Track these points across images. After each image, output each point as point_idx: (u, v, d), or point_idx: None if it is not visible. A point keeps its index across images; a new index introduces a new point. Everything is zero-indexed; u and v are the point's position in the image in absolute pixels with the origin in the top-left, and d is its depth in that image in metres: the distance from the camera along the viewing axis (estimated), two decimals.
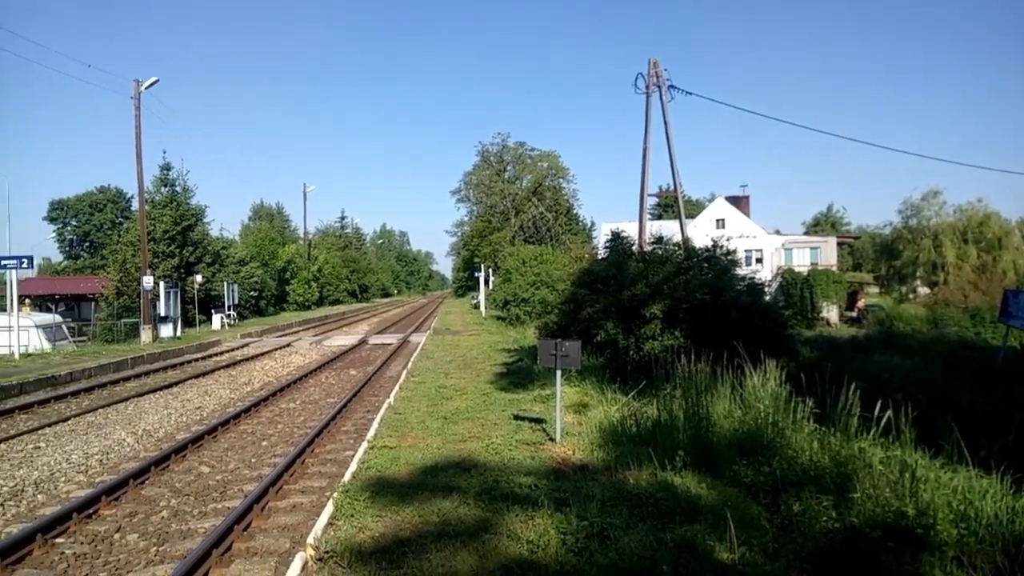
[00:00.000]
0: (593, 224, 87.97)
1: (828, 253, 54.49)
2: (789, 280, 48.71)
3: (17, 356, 23.91)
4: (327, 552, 5.69)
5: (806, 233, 71.91)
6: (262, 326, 40.57)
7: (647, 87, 26.66)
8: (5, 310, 28.61)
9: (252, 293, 51.94)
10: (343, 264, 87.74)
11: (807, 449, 7.11)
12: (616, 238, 17.37)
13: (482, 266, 56.34)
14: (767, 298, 16.94)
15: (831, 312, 47.96)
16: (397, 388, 15.10)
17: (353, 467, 8.47)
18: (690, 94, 27.15)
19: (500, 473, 7.75)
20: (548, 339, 9.71)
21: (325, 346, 29.14)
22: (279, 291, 61.58)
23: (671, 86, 26.84)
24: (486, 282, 53.68)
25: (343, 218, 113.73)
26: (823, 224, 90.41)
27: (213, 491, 8.61)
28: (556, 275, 30.75)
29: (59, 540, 6.93)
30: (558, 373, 9.50)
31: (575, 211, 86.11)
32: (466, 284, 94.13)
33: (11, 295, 25.61)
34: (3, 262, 25.43)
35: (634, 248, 17.80)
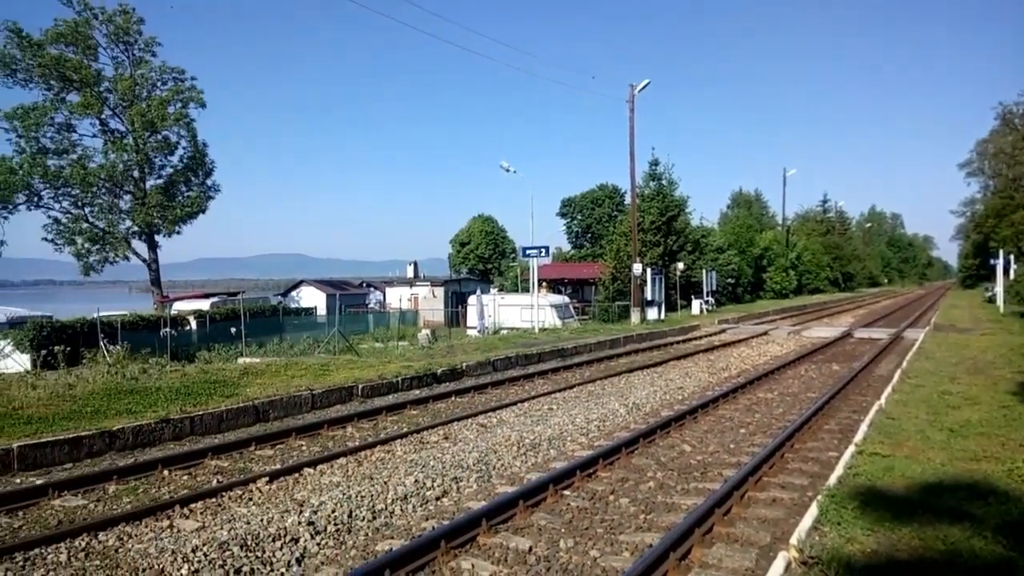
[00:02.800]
0: None
1: None
2: None
3: (536, 330, 28.72)
4: (811, 557, 5.39)
5: None
6: (738, 313, 40.89)
7: None
8: (528, 291, 34.66)
9: (729, 280, 52.76)
10: (824, 251, 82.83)
11: None
12: None
13: (1000, 252, 46.82)
14: None
15: None
16: (889, 389, 13.54)
17: (839, 471, 7.88)
18: None
19: None
20: None
21: (804, 337, 27.90)
22: (755, 278, 61.24)
23: None
24: (1005, 271, 44.45)
25: (825, 201, 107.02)
26: None
27: (694, 470, 8.98)
28: None
29: (566, 492, 8.05)
30: None
31: None
32: (976, 273, 79.73)
33: (533, 279, 30.94)
34: (527, 251, 30.87)
35: None
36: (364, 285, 59.86)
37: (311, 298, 47.29)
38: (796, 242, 74.25)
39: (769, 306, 49.24)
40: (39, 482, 8.59)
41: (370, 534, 6.91)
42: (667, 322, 34.12)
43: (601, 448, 9.61)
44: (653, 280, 36.04)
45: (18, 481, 8.89)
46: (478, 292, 34.67)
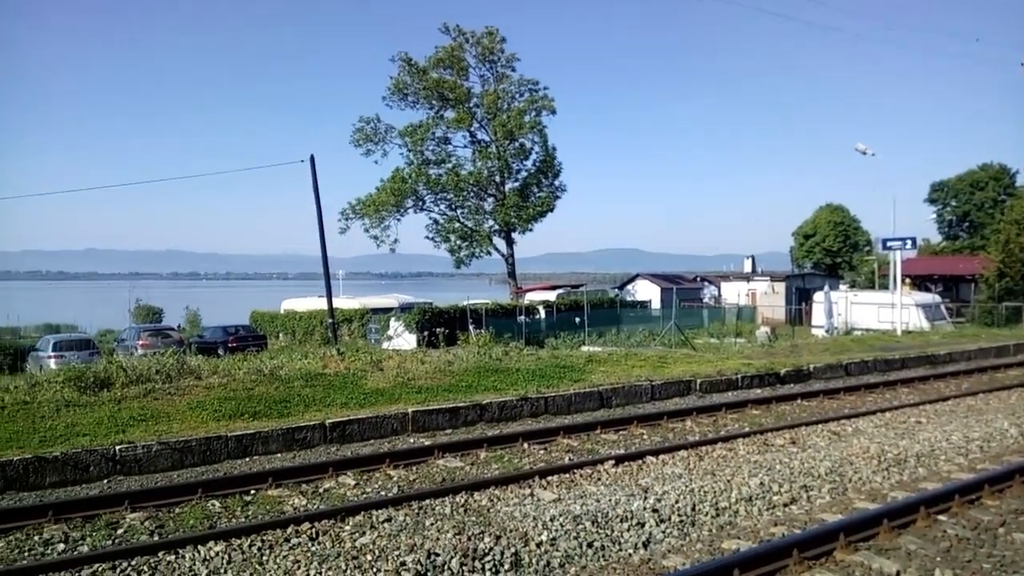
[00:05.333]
0: None
1: None
2: None
3: (899, 332, 25.57)
4: None
5: None
6: None
7: None
8: (886, 288, 31.03)
9: None
10: None
11: None
12: None
13: None
14: None
15: None
16: None
17: None
18: None
19: None
20: None
21: None
22: None
23: None
24: None
25: None
26: None
27: None
28: None
29: (941, 517, 7.05)
30: None
31: None
32: None
33: (894, 274, 27.55)
34: (887, 243, 27.63)
35: None
36: (698, 279, 59.26)
37: (646, 291, 48.33)
38: None
39: None
40: (427, 443, 10.21)
41: (714, 530, 6.87)
42: None
43: (987, 472, 8.24)
44: None
45: (412, 441, 10.68)
46: (826, 288, 32.04)
